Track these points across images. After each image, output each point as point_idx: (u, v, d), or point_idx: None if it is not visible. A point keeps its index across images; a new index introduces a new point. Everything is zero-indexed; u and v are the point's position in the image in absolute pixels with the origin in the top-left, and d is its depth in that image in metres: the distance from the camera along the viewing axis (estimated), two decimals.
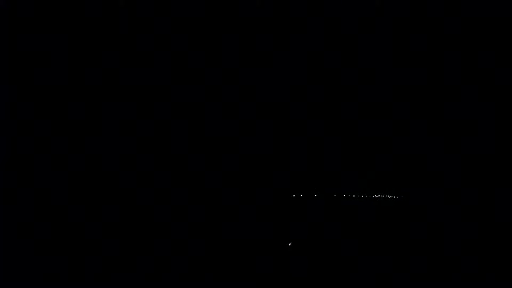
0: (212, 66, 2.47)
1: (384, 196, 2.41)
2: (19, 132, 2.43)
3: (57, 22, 2.46)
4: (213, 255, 2.37)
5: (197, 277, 2.36)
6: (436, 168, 2.41)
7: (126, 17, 2.47)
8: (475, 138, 2.41)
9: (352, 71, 2.47)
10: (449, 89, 2.43)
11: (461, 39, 2.43)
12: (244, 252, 2.37)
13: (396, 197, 2.41)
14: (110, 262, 2.37)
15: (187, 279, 2.36)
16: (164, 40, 2.48)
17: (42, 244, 2.38)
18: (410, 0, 2.44)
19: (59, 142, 2.43)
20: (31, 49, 2.45)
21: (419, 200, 2.40)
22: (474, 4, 2.41)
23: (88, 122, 2.45)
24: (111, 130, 2.45)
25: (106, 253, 2.38)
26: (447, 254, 2.35)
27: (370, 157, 2.44)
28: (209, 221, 2.40)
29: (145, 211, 2.41)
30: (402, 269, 2.36)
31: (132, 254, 2.38)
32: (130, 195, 2.41)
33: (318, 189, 2.43)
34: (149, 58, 2.47)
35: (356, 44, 2.47)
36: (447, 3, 2.41)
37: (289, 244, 2.37)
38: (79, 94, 2.45)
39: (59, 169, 2.42)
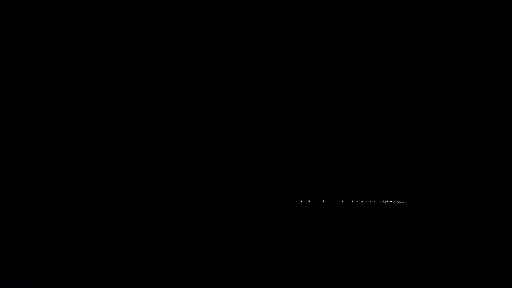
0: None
1: (392, 201, 2.39)
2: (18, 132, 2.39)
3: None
4: (223, 259, 2.35)
5: (206, 280, 2.34)
6: (444, 172, 2.40)
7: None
8: (485, 142, 2.39)
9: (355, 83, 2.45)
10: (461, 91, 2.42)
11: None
12: (253, 256, 2.36)
13: (404, 202, 2.39)
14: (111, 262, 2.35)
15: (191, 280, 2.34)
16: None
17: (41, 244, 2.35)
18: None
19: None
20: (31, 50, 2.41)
21: (426, 205, 2.39)
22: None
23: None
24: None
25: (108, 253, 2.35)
26: (454, 260, 2.34)
27: (376, 162, 2.42)
28: (217, 225, 2.38)
29: (148, 212, 2.38)
30: (408, 274, 2.34)
31: (135, 256, 2.35)
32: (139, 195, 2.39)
33: (325, 195, 2.41)
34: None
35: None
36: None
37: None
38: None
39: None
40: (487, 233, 2.35)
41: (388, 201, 2.39)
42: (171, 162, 2.40)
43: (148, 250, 2.36)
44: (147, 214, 2.37)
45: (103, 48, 2.43)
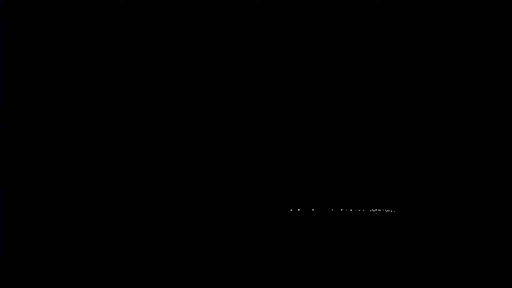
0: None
1: (382, 210, 2.41)
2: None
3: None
4: (224, 268, 2.39)
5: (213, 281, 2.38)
6: (431, 183, 2.41)
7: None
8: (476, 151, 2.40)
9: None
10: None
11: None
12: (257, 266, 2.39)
13: (393, 211, 2.41)
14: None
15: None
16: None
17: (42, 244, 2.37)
18: None
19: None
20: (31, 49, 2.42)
21: (416, 215, 2.40)
22: None
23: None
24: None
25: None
26: (444, 268, 2.36)
27: (367, 171, 2.43)
28: (221, 234, 2.41)
29: (147, 211, 2.40)
30: (399, 283, 2.36)
31: (139, 256, 2.39)
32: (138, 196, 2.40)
33: (316, 203, 2.42)
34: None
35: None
36: None
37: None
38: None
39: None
40: (481, 238, 2.36)
41: (377, 209, 2.41)
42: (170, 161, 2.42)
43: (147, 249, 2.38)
44: (147, 214, 2.39)
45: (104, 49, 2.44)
